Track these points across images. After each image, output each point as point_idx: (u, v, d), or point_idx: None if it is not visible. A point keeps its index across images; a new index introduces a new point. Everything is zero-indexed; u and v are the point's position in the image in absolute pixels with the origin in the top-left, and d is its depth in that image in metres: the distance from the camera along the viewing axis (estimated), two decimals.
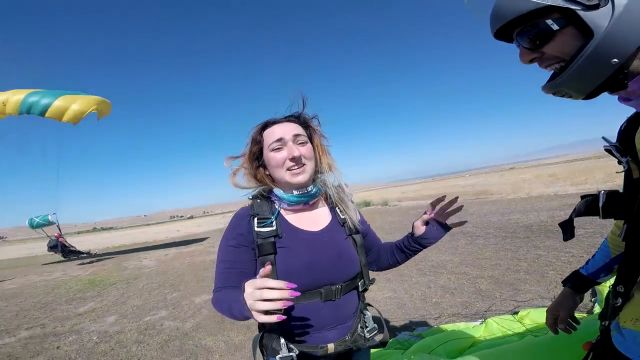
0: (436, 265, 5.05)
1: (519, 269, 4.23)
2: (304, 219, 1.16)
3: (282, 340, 1.09)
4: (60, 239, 11.62)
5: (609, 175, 13.68)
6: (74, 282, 7.94)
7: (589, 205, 0.89)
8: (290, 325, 1.10)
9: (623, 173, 0.82)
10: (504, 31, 0.72)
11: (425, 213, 1.22)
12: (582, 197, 0.93)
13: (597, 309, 2.53)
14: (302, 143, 1.11)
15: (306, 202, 1.15)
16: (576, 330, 1.11)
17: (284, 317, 0.84)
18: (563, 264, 4.10)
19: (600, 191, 0.88)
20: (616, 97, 0.72)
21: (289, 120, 1.15)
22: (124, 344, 3.56)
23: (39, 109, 6.83)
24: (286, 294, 0.83)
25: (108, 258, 13.00)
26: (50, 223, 11.51)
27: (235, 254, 1.09)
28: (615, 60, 0.60)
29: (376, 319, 1.25)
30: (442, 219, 1.20)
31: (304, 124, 1.17)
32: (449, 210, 1.19)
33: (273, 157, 1.10)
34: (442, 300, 3.64)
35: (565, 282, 1.07)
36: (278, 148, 1.09)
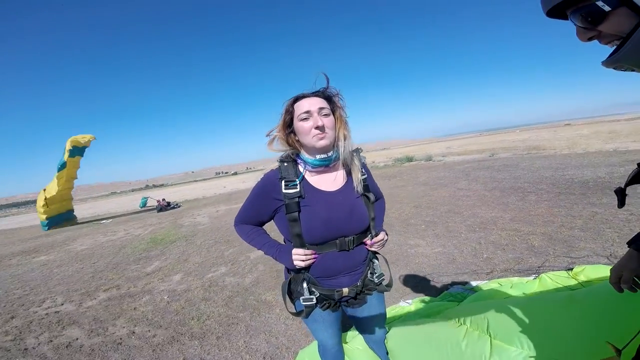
0: (485, 222, 5.02)
1: (573, 226, 4.14)
2: (324, 180, 1.38)
3: (305, 285, 1.38)
4: (161, 204, 16.63)
5: None
6: (137, 241, 8.45)
7: None
8: (312, 272, 1.38)
9: None
10: (557, 10, 0.74)
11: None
12: (639, 164, 0.96)
13: None
14: (325, 115, 1.30)
15: (326, 165, 1.35)
16: None
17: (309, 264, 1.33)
18: (621, 222, 3.96)
19: None
20: None
21: (316, 95, 1.34)
22: (193, 302, 3.82)
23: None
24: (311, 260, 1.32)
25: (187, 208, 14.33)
26: (146, 202, 18.07)
27: (260, 204, 1.39)
28: None
29: (383, 267, 1.55)
30: None
31: (328, 98, 1.35)
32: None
33: (302, 125, 1.30)
34: (494, 256, 3.67)
35: (630, 243, 1.07)
36: (305, 118, 1.29)
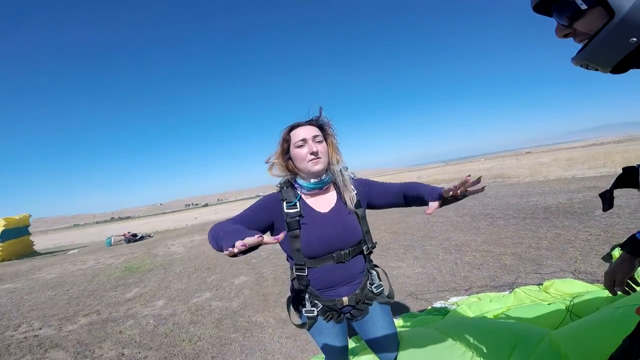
0: (460, 245, 5.33)
1: (540, 247, 4.50)
2: (318, 201, 1.51)
3: (307, 297, 1.51)
4: (127, 236, 16.68)
5: (628, 160, 13.63)
6: (111, 270, 8.21)
7: (629, 177, 0.98)
8: (313, 285, 1.49)
9: None
10: (543, 6, 0.77)
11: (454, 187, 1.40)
12: (624, 169, 1.00)
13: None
14: (319, 142, 1.45)
15: (321, 187, 1.49)
16: (635, 292, 1.14)
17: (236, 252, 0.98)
18: (582, 242, 4.33)
19: (639, 164, 0.96)
20: None
21: (310, 124, 1.48)
22: (181, 325, 3.80)
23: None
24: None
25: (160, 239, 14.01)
26: (111, 242, 16.50)
27: (261, 214, 1.43)
28: (634, 39, 0.64)
29: (382, 278, 1.66)
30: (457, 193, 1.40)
31: (320, 126, 1.50)
32: (471, 189, 1.37)
33: (298, 152, 1.43)
34: (470, 274, 3.93)
35: (623, 247, 1.08)
36: (301, 145, 1.43)
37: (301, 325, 1.54)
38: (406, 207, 1.65)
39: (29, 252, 17.23)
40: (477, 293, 3.24)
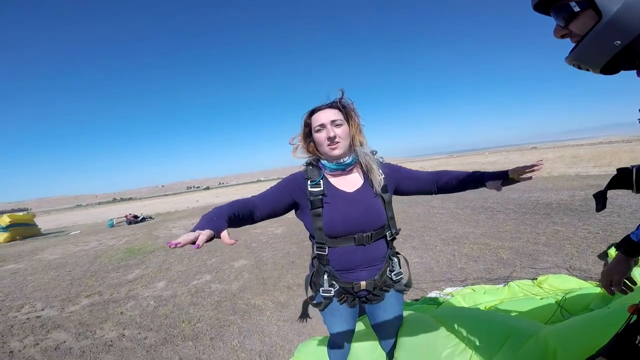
0: (459, 237, 5.38)
1: (537, 242, 4.53)
2: (343, 182, 1.51)
3: (325, 277, 1.52)
4: (128, 217, 17.11)
5: (634, 160, 13.55)
6: (112, 251, 8.34)
7: (623, 179, 0.99)
8: (332, 265, 1.51)
9: None
10: (543, 6, 0.81)
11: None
12: (618, 170, 1.02)
13: None
14: (338, 125, 1.44)
15: (343, 169, 1.50)
16: (632, 291, 1.13)
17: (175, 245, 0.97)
18: (580, 239, 4.36)
19: (634, 166, 0.97)
20: None
21: (330, 107, 1.48)
22: (181, 307, 3.88)
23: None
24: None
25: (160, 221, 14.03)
26: (113, 223, 16.90)
27: (281, 193, 1.48)
28: (618, 42, 0.68)
29: (402, 266, 1.64)
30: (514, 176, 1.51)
31: (342, 109, 1.49)
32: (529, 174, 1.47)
33: (317, 137, 1.47)
34: (467, 266, 3.99)
35: (618, 247, 1.07)
36: (319, 130, 1.45)
37: (316, 305, 1.57)
38: (435, 194, 1.70)
39: (36, 234, 17.53)
40: (472, 285, 3.29)
